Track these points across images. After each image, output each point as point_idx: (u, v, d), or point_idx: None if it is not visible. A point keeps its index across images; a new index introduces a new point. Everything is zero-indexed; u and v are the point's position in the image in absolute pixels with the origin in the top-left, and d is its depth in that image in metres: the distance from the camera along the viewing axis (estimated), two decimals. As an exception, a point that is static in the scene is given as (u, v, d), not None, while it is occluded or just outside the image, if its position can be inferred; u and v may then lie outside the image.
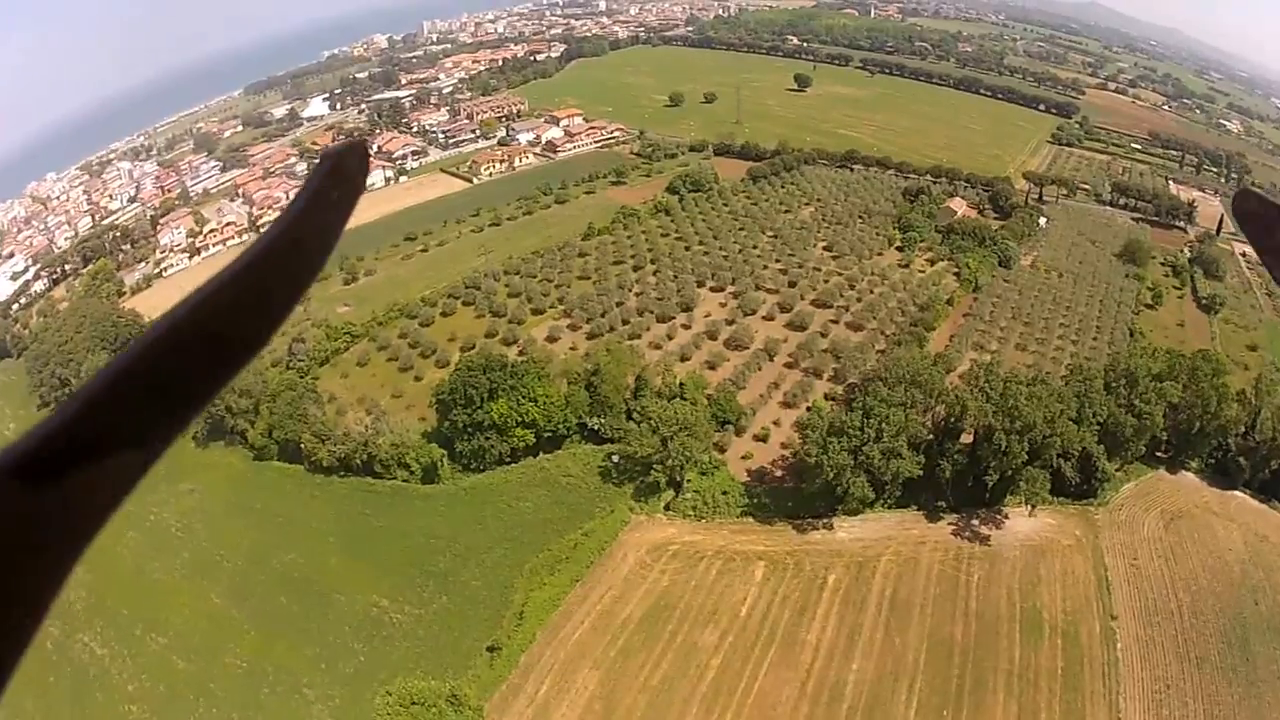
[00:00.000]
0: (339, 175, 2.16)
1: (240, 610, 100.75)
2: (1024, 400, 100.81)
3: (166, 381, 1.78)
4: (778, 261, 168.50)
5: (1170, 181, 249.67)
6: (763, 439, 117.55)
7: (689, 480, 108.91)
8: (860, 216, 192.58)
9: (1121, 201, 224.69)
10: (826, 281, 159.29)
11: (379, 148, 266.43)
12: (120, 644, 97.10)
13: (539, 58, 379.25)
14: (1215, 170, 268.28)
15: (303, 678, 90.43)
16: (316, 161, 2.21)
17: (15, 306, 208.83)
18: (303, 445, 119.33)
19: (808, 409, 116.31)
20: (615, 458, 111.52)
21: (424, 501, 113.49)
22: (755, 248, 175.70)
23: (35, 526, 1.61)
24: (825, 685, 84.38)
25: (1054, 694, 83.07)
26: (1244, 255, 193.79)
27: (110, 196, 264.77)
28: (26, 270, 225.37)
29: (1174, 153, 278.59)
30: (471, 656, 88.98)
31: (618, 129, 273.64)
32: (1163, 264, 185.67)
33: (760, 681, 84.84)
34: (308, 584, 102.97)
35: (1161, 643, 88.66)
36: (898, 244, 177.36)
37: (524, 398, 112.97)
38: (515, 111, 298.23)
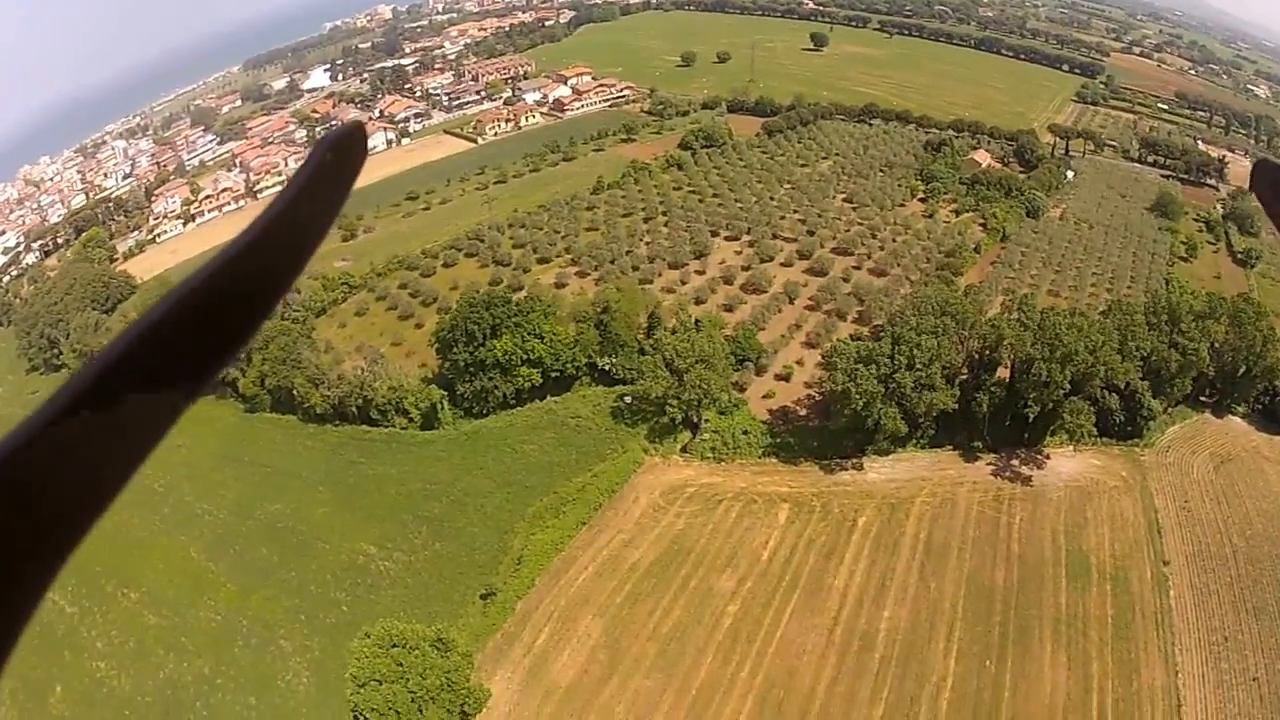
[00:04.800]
0: (337, 158, 2.19)
1: (218, 563, 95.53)
2: (1065, 329, 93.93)
3: (194, 335, 1.85)
4: (795, 212, 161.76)
5: (1199, 141, 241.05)
6: (785, 378, 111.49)
7: (707, 420, 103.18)
8: (881, 169, 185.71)
9: (1150, 159, 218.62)
10: (847, 230, 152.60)
11: (380, 111, 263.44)
12: (90, 601, 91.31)
13: (547, 23, 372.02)
14: (1244, 131, 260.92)
15: (280, 630, 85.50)
16: (314, 145, 2.23)
17: (6, 278, 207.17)
18: (295, 391, 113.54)
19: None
20: (628, 399, 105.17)
21: (421, 448, 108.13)
22: (772, 199, 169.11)
23: (93, 445, 1.69)
24: (855, 633, 78.62)
25: (1105, 643, 77.42)
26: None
27: (105, 175, 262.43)
28: (19, 245, 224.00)
29: (1201, 113, 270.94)
30: (465, 605, 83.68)
31: (627, 88, 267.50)
32: (1195, 219, 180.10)
33: (783, 629, 79.19)
34: (291, 534, 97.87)
35: (1217, 590, 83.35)
36: (920, 195, 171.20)
37: (529, 334, 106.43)
38: (522, 73, 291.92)
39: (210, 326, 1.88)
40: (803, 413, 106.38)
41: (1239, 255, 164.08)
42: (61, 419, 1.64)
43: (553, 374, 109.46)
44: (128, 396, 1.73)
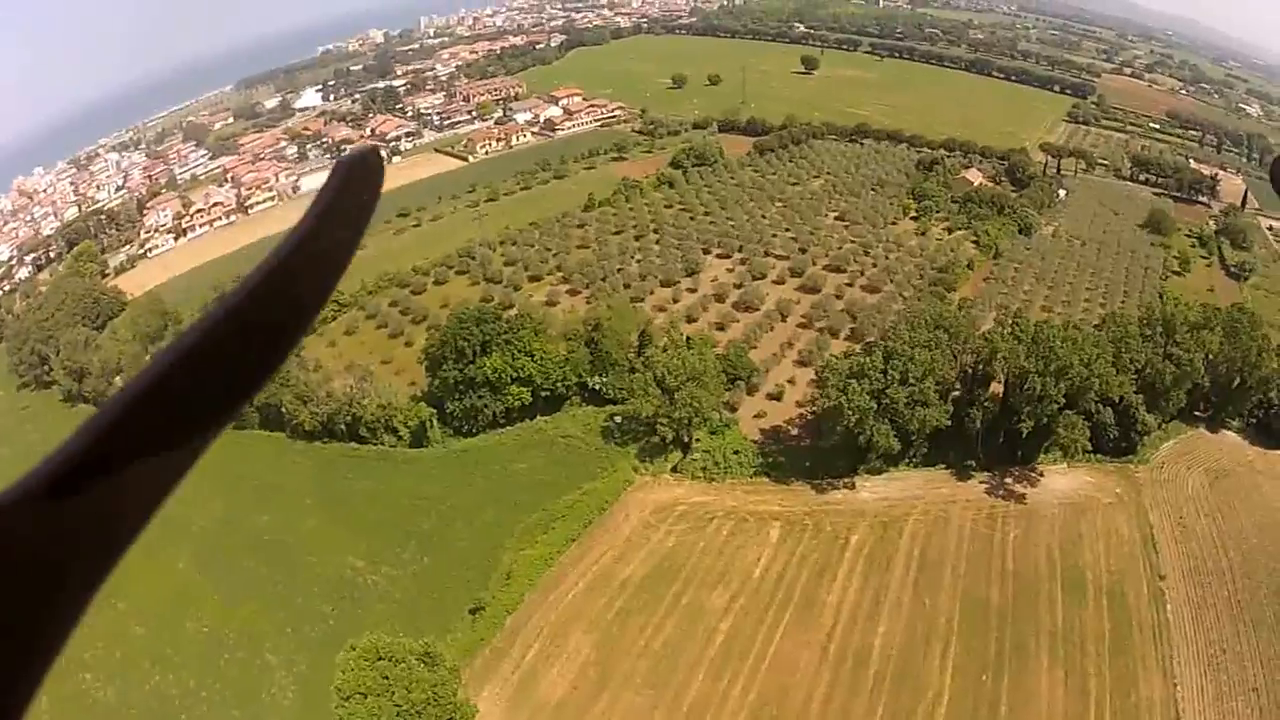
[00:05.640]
0: (355, 182, 2.12)
1: (205, 576, 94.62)
2: (1059, 342, 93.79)
3: (193, 394, 1.81)
4: (787, 230, 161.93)
5: (1190, 159, 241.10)
6: (777, 397, 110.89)
7: (698, 439, 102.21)
8: (873, 187, 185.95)
9: (1142, 176, 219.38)
10: (839, 248, 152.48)
11: (372, 130, 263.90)
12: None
13: (538, 47, 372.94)
14: (1236, 150, 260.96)
15: (266, 643, 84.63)
16: (331, 170, 2.15)
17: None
18: (284, 408, 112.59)
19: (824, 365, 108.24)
20: (618, 418, 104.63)
21: (410, 464, 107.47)
22: (764, 216, 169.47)
23: (59, 542, 1.63)
24: (849, 649, 77.95)
25: (1102, 658, 76.88)
26: (1270, 229, 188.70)
27: (97, 187, 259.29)
28: (11, 259, 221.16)
29: (1193, 132, 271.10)
30: (453, 619, 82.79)
31: (619, 108, 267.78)
32: (1188, 235, 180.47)
33: (776, 645, 78.35)
34: (279, 548, 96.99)
35: (1214, 604, 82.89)
36: (913, 213, 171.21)
37: (520, 352, 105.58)
38: (513, 94, 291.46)
39: (239, 357, 1.85)
40: (794, 432, 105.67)
41: (1232, 269, 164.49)
42: (110, 435, 1.64)
43: (543, 393, 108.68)
44: (143, 457, 1.70)
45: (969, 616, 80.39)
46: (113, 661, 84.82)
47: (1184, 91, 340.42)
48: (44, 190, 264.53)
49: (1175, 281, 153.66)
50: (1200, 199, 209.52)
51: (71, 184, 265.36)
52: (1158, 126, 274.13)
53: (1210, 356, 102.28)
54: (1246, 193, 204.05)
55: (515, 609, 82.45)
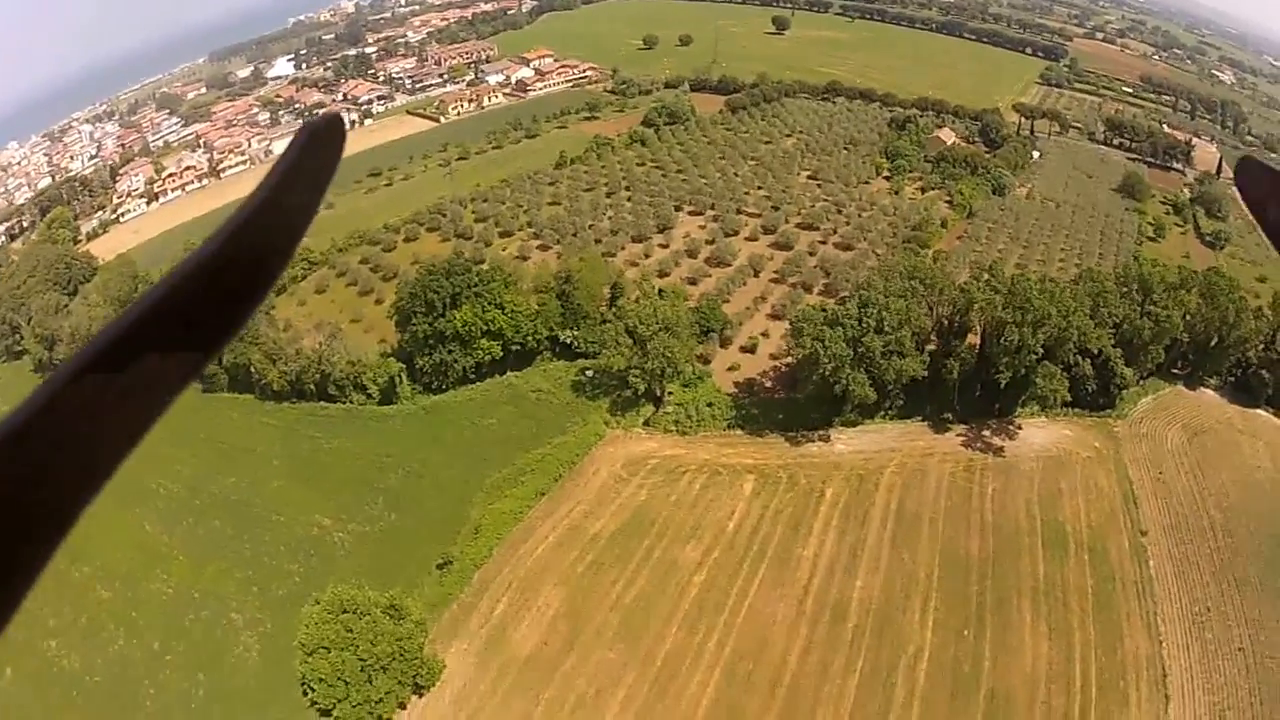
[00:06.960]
0: (317, 147, 2.21)
1: (171, 537, 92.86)
2: (1036, 294, 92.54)
3: (160, 346, 1.85)
4: (760, 187, 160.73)
5: (1164, 125, 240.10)
6: (750, 350, 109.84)
7: (670, 392, 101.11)
8: (845, 146, 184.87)
9: (1116, 141, 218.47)
10: (812, 206, 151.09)
11: (344, 95, 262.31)
12: (43, 576, 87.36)
13: (509, 12, 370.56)
14: (1209, 117, 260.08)
15: (231, 602, 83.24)
16: (294, 133, 2.25)
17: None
18: (253, 367, 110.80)
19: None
20: (589, 371, 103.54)
21: (379, 422, 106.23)
22: (736, 174, 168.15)
23: (104, 408, 1.73)
24: (826, 604, 76.84)
25: (1086, 613, 76.12)
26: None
27: (71, 158, 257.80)
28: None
29: (1167, 97, 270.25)
30: (420, 575, 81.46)
31: (590, 68, 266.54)
32: (1162, 202, 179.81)
33: (751, 599, 77.14)
34: (245, 508, 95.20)
35: (1197, 561, 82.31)
36: (886, 172, 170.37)
37: (490, 304, 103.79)
38: (484, 57, 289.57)
39: (213, 302, 1.90)
40: (768, 385, 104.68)
41: (1207, 237, 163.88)
42: (77, 381, 1.66)
43: (513, 347, 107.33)
44: (139, 359, 1.76)
45: (949, 570, 79.43)
46: (78, 627, 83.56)
47: (1156, 57, 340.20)
48: (17, 163, 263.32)
49: (1150, 247, 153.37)
50: (1174, 165, 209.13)
51: (45, 155, 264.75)
52: (1131, 91, 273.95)
53: (1188, 315, 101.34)
54: (1221, 161, 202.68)
55: (484, 563, 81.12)
